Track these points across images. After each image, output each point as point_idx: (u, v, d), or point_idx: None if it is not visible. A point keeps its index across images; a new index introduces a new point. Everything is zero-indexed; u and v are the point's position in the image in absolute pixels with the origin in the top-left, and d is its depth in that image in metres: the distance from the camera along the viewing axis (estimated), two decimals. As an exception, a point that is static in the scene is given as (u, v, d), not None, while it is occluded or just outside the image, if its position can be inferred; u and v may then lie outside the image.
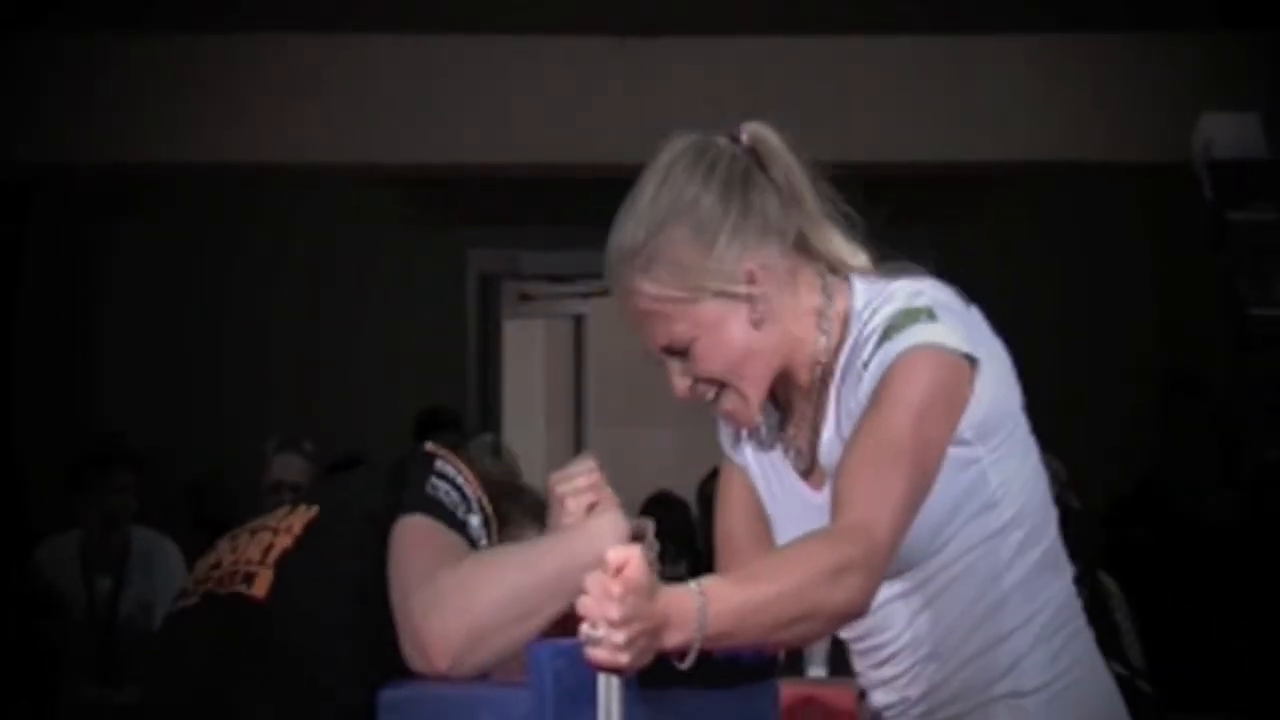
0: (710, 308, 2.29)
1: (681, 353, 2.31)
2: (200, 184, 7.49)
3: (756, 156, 2.33)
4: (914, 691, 2.38)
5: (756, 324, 2.31)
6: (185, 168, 6.94)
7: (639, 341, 2.36)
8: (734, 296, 2.29)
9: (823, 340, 2.34)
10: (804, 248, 2.34)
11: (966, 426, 2.26)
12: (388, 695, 2.20)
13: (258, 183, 7.49)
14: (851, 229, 2.36)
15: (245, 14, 6.58)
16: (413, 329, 7.86)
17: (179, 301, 7.90)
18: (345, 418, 7.30)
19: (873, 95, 6.52)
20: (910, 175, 6.94)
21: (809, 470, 2.39)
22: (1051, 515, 2.41)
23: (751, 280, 2.29)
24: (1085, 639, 2.43)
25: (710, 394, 2.34)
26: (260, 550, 2.44)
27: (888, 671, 2.39)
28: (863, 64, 6.64)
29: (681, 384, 2.34)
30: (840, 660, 3.03)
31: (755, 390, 2.34)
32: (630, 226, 2.31)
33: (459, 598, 2.26)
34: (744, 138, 2.34)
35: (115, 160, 6.84)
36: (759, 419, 2.39)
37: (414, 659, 2.26)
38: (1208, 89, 6.56)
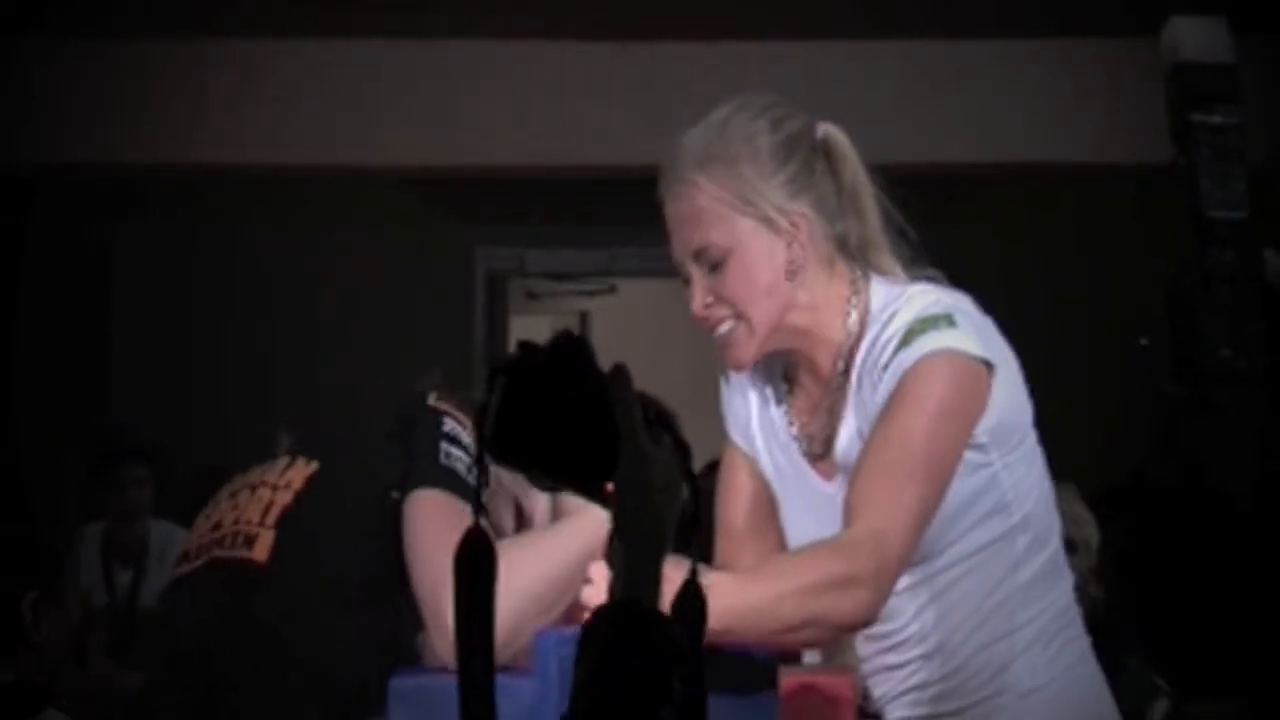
0: (752, 229, 2.32)
1: (711, 266, 2.34)
2: (210, 183, 7.53)
3: (827, 151, 2.38)
4: (916, 681, 2.42)
5: (790, 274, 2.33)
6: (200, 168, 7.00)
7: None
8: (777, 229, 2.32)
9: (849, 332, 2.37)
10: (846, 247, 2.38)
11: (982, 431, 2.29)
12: (397, 684, 2.20)
13: (269, 184, 7.53)
14: (905, 241, 2.41)
15: (248, 17, 6.63)
16: (422, 327, 7.90)
17: (185, 300, 7.93)
18: (355, 414, 7.31)
19: (873, 97, 6.53)
20: (910, 176, 6.95)
21: (820, 456, 2.42)
22: (1056, 523, 2.45)
23: (796, 226, 2.32)
24: (1082, 644, 2.47)
25: (724, 324, 2.36)
26: (260, 509, 2.42)
27: (892, 659, 2.43)
28: (864, 67, 6.68)
29: (701, 299, 2.35)
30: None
31: (764, 329, 2.35)
32: (697, 134, 2.34)
33: (498, 598, 2.25)
34: (818, 132, 2.38)
35: (136, 162, 6.90)
36: (751, 363, 2.41)
37: (445, 657, 2.25)
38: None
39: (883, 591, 2.15)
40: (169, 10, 6.49)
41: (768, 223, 2.32)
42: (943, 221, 7.72)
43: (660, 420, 1.32)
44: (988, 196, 7.60)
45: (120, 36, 6.74)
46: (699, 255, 2.34)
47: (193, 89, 6.68)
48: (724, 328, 2.36)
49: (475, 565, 1.33)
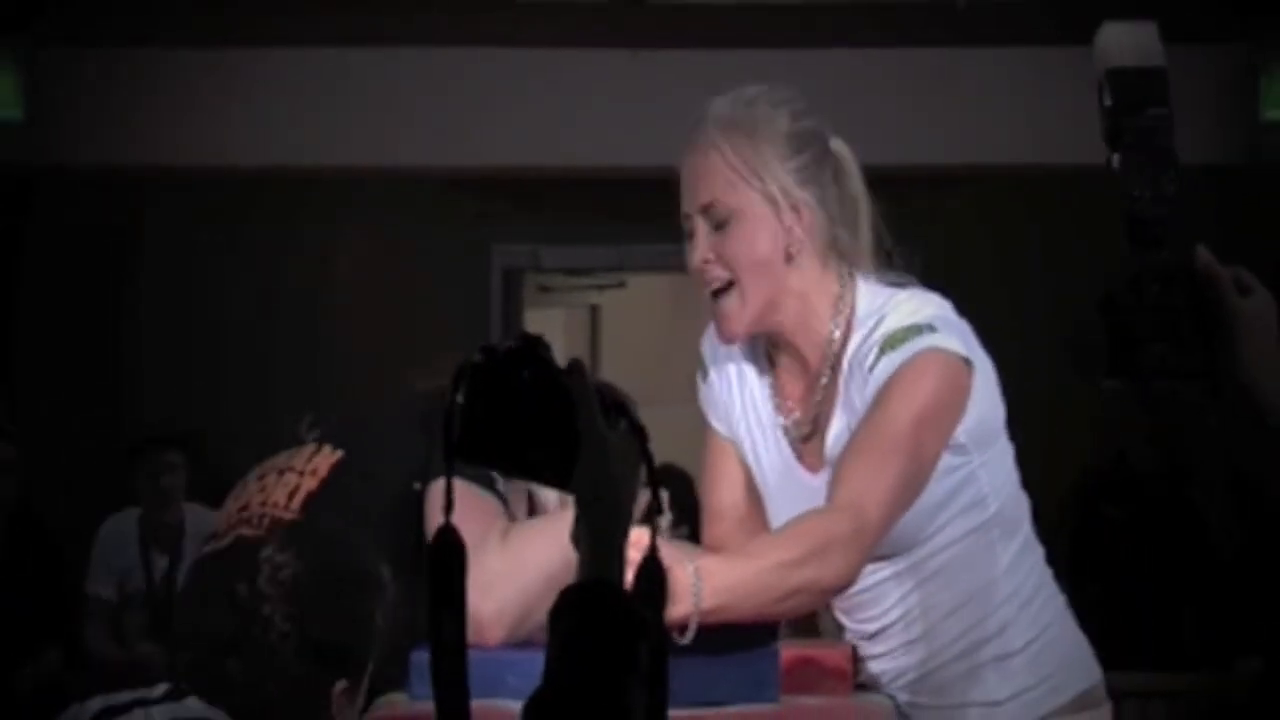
0: (759, 201, 2.38)
1: (716, 224, 2.40)
2: (226, 183, 7.59)
3: (834, 163, 2.46)
4: (902, 663, 2.52)
5: (788, 257, 2.40)
6: (224, 170, 7.11)
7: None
8: (781, 210, 2.38)
9: (836, 329, 2.44)
10: (838, 250, 2.46)
11: (962, 431, 2.39)
12: (418, 657, 2.21)
13: (303, 186, 7.61)
14: (888, 263, 2.48)
15: (263, 24, 6.74)
16: (440, 321, 7.91)
17: (204, 295, 7.96)
18: (375, 405, 7.33)
19: (876, 101, 6.60)
20: (911, 178, 7.03)
21: (807, 439, 2.50)
22: (1026, 508, 2.55)
23: (798, 211, 2.40)
24: (1059, 600, 2.58)
25: (716, 282, 2.41)
26: (286, 493, 2.46)
27: (879, 648, 2.52)
28: (867, 72, 6.75)
29: (701, 253, 2.40)
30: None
31: (756, 302, 2.40)
32: (726, 101, 2.44)
33: (510, 577, 2.31)
34: (831, 143, 2.46)
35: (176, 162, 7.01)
36: (743, 334, 2.46)
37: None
38: (1212, 96, 6.72)
39: (862, 553, 2.25)
40: (204, 17, 6.61)
41: (773, 201, 2.38)
42: (943, 222, 7.84)
43: (617, 406, 1.36)
44: (988, 196, 7.61)
45: (127, 42, 6.85)
46: (705, 210, 2.40)
47: (233, 95, 6.81)
48: (716, 286, 2.41)
49: (446, 564, 1.34)
